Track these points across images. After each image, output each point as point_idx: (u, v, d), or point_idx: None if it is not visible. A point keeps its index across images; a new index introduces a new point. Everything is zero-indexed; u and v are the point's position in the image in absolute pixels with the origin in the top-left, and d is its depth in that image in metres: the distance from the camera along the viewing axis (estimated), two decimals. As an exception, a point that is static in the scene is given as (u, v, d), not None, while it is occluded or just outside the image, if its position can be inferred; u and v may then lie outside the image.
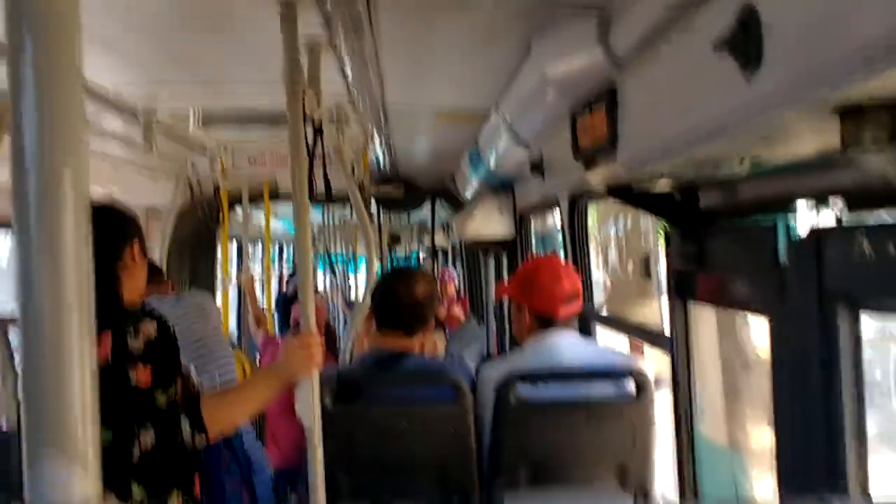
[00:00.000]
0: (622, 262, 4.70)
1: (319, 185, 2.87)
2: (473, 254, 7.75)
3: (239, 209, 5.91)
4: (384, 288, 2.70)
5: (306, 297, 2.21)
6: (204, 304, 3.93)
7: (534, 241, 5.30)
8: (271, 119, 3.99)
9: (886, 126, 0.89)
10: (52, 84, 0.54)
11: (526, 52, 2.49)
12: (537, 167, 2.55)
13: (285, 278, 11.71)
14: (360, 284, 13.84)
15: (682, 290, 2.07)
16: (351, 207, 3.83)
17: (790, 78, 0.81)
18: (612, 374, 2.53)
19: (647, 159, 1.36)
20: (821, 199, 1.48)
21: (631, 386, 2.48)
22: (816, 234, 1.41)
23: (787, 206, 1.54)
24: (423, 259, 11.43)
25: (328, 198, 3.08)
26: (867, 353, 1.43)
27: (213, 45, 2.55)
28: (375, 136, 4.17)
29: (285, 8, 1.99)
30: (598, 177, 1.76)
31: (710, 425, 2.13)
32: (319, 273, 11.26)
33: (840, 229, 1.38)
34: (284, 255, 14.66)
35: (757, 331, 2.12)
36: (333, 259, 11.85)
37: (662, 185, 1.84)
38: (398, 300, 2.61)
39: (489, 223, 5.02)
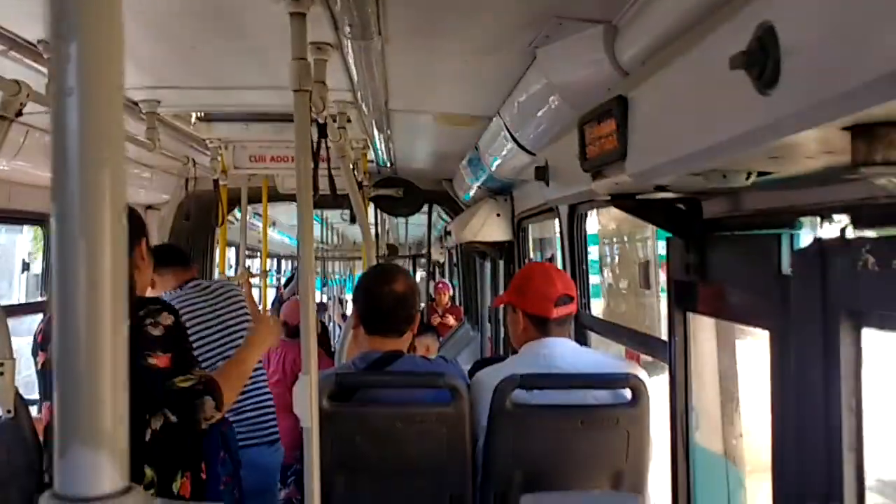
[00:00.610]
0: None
1: (322, 186, 2.88)
2: (470, 259, 7.76)
3: (237, 210, 5.92)
4: (365, 291, 2.69)
5: (307, 297, 2.22)
6: (233, 292, 3.95)
7: (531, 245, 5.31)
8: (274, 118, 4.01)
9: (898, 145, 0.91)
10: (94, 87, 0.55)
11: (531, 60, 2.51)
12: (542, 174, 2.57)
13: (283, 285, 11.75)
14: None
15: (683, 301, 2.08)
16: (352, 212, 3.83)
17: (807, 98, 0.83)
18: (609, 380, 2.55)
19: (657, 172, 1.37)
20: (826, 215, 1.49)
21: (626, 392, 2.51)
22: (821, 245, 1.42)
23: (791, 219, 1.56)
24: (420, 277, 11.48)
25: (333, 198, 3.10)
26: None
27: (219, 45, 2.56)
28: (377, 137, 4.18)
29: (295, 11, 2.00)
30: (604, 187, 1.78)
31: (706, 435, 2.15)
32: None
33: (845, 241, 1.39)
34: (283, 269, 14.69)
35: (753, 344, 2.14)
36: (330, 283, 11.90)
37: (666, 195, 1.86)
38: (381, 304, 2.62)
39: (487, 227, 5.04)
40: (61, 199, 0.56)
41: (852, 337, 1.37)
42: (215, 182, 4.65)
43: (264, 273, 6.28)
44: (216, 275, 5.75)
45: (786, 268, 1.54)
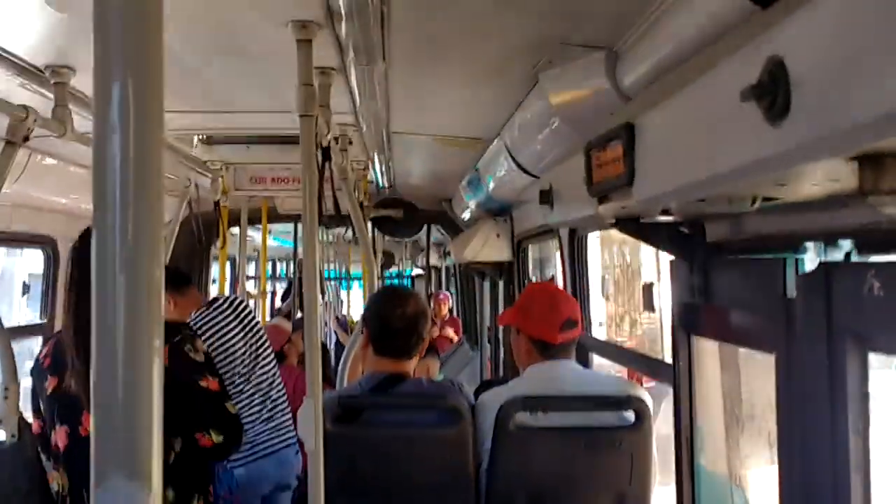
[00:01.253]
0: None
1: (326, 207, 2.90)
2: (469, 277, 7.76)
3: (235, 229, 5.92)
4: (376, 312, 2.71)
5: (312, 320, 2.23)
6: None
7: (531, 265, 5.32)
8: (275, 140, 4.03)
9: (905, 174, 0.93)
10: (137, 126, 0.57)
11: (533, 84, 2.54)
12: (546, 198, 2.59)
13: (278, 294, 11.67)
14: (352, 303, 13.84)
15: (686, 323, 2.09)
16: (352, 227, 3.86)
17: (817, 130, 0.84)
18: (612, 402, 2.56)
19: (664, 197, 1.39)
20: (830, 240, 1.51)
21: (630, 414, 2.51)
22: (826, 268, 1.44)
23: (796, 243, 1.57)
24: (416, 277, 11.47)
25: (337, 220, 3.11)
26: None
27: (224, 70, 2.58)
28: (376, 158, 4.20)
29: (301, 38, 2.03)
30: (610, 211, 1.80)
31: (710, 458, 2.15)
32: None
33: (849, 265, 1.40)
34: (278, 272, 14.65)
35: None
36: (326, 275, 11.84)
37: (670, 218, 1.87)
38: (391, 325, 2.63)
39: (487, 247, 5.05)
40: (102, 232, 0.57)
41: (858, 360, 1.38)
42: (216, 203, 4.66)
43: (263, 293, 6.27)
44: (214, 294, 5.75)
45: (790, 291, 1.55)
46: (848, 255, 1.45)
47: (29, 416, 2.52)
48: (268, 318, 7.42)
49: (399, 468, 2.49)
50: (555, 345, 2.62)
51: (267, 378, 3.93)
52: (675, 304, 2.11)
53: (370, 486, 2.50)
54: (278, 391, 4.00)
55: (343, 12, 1.85)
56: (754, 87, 0.92)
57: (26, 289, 4.69)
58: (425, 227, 6.98)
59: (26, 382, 2.64)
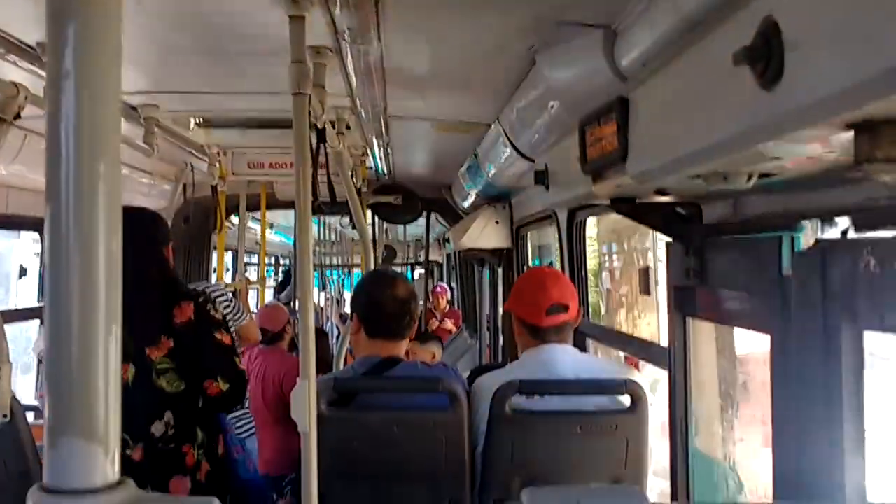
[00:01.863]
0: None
1: (321, 192, 2.88)
2: (468, 265, 7.75)
3: (235, 216, 5.91)
4: (367, 297, 2.71)
5: (305, 304, 2.21)
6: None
7: (531, 252, 5.31)
8: (273, 124, 4.01)
9: (901, 143, 0.90)
10: (91, 94, 0.55)
11: (530, 66, 2.51)
12: (542, 178, 2.56)
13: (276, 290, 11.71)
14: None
15: (682, 306, 2.08)
16: (351, 219, 3.84)
17: (811, 94, 0.82)
18: (607, 386, 2.54)
19: (658, 172, 1.37)
20: (826, 218, 1.49)
21: (625, 398, 2.50)
22: (821, 246, 1.42)
23: (792, 222, 1.55)
24: (419, 274, 11.47)
25: (333, 203, 3.10)
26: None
27: (218, 50, 2.56)
28: (375, 143, 4.18)
29: (294, 16, 2.00)
30: (605, 190, 1.77)
31: (705, 440, 2.14)
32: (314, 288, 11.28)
33: (845, 242, 1.39)
34: (281, 267, 14.67)
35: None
36: (328, 273, 11.85)
37: (666, 199, 1.85)
38: (383, 309, 2.62)
39: (486, 234, 5.03)
40: (55, 198, 0.55)
41: (854, 338, 1.37)
42: (213, 188, 4.64)
43: (262, 280, 6.26)
44: (214, 280, 5.74)
45: (786, 270, 1.54)
46: (844, 232, 1.43)
47: (21, 396, 2.52)
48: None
49: (394, 451, 2.47)
50: (542, 328, 2.60)
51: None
52: (671, 287, 2.09)
53: (364, 470, 2.48)
54: None
55: (336, -12, 1.83)
56: (747, 49, 0.90)
57: (23, 272, 4.68)
58: (424, 217, 6.96)
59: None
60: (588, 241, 3.73)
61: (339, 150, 3.55)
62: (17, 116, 2.28)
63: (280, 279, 11.30)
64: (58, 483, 0.56)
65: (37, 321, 3.96)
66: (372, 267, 4.03)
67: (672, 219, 1.95)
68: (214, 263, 6.37)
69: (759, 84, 0.91)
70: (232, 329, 3.91)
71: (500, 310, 6.12)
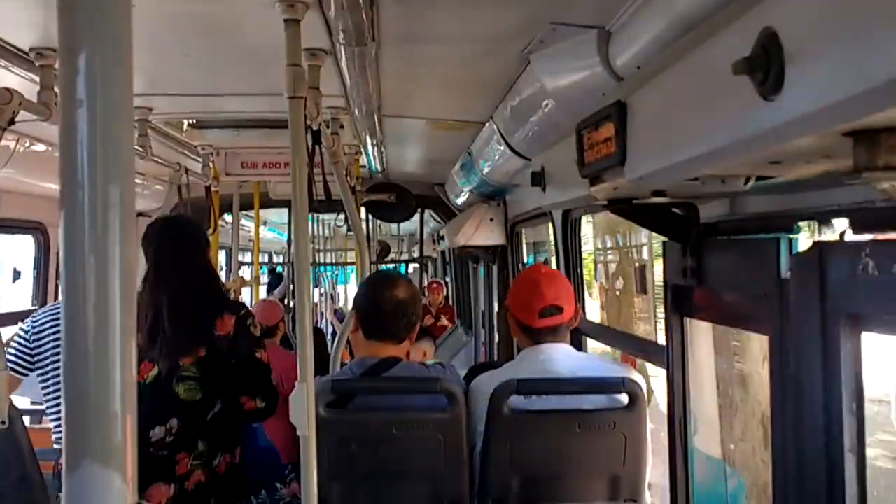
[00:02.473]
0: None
1: (316, 191, 2.88)
2: (463, 263, 7.75)
3: (228, 216, 5.89)
4: (367, 297, 2.70)
5: (303, 304, 2.21)
6: None
7: (525, 250, 5.31)
8: (266, 125, 3.99)
9: (901, 151, 0.91)
10: (103, 99, 0.55)
11: (524, 66, 2.51)
12: (538, 180, 2.56)
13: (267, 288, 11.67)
14: (349, 296, 13.87)
15: (680, 306, 2.08)
16: (346, 216, 3.83)
17: (811, 103, 0.83)
18: (605, 384, 2.55)
19: (657, 176, 1.37)
20: (824, 219, 1.49)
21: (623, 396, 2.50)
22: (819, 247, 1.42)
23: (790, 223, 1.56)
24: (413, 270, 11.50)
25: (329, 205, 3.10)
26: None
27: (212, 52, 2.55)
28: (369, 143, 4.17)
29: (289, 17, 1.99)
30: (602, 192, 1.78)
31: (704, 439, 2.15)
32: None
33: (844, 244, 1.39)
34: (268, 266, 14.65)
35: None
36: (322, 270, 11.84)
37: (663, 200, 1.85)
38: (382, 309, 2.62)
39: (480, 232, 5.03)
40: (71, 210, 0.55)
41: (852, 340, 1.37)
42: (207, 188, 4.63)
43: (256, 280, 6.25)
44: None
45: (784, 271, 1.54)
46: (842, 234, 1.44)
47: (18, 402, 2.51)
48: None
49: (392, 452, 2.48)
50: (535, 329, 2.61)
51: None
52: (668, 287, 2.10)
53: (363, 471, 2.49)
54: None
55: (332, -8, 1.83)
56: (747, 59, 0.90)
57: (17, 275, 4.66)
58: (419, 214, 6.95)
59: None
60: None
61: (334, 150, 3.54)
62: (11, 122, 2.27)
63: (268, 280, 11.26)
64: None
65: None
66: (367, 264, 4.03)
67: (669, 219, 1.95)
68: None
69: (759, 93, 0.92)
70: None
71: (496, 307, 6.13)
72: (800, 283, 1.48)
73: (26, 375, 2.94)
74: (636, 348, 3.08)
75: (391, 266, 11.39)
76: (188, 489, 2.62)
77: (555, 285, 2.65)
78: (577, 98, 2.22)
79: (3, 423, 2.33)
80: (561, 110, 2.43)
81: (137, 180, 4.65)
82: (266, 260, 14.11)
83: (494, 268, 5.74)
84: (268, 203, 5.75)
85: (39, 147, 3.37)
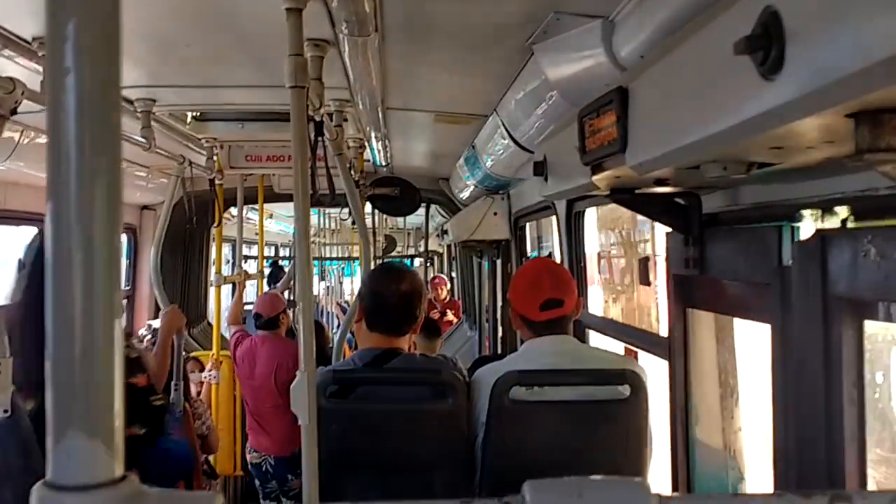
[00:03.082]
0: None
1: (320, 185, 2.88)
2: (468, 256, 7.75)
3: (233, 208, 5.90)
4: (371, 289, 2.70)
5: (306, 297, 2.21)
6: None
7: (529, 243, 5.31)
8: (270, 118, 4.00)
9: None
10: (92, 90, 0.55)
11: (528, 57, 2.50)
12: (540, 169, 2.56)
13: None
14: (354, 289, 13.90)
15: (682, 296, 2.08)
16: (350, 210, 3.83)
17: (812, 83, 0.82)
18: (606, 376, 2.54)
19: (658, 162, 1.37)
20: (826, 207, 1.49)
21: (625, 387, 2.50)
22: (821, 235, 1.42)
23: (792, 212, 1.55)
24: (419, 262, 11.51)
25: (333, 198, 3.09)
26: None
27: (215, 44, 2.55)
28: (373, 136, 4.17)
29: (291, 6, 1.99)
30: (604, 181, 1.77)
31: (705, 429, 2.14)
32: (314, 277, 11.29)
33: (845, 232, 1.39)
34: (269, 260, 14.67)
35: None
36: (327, 263, 11.84)
37: (666, 189, 1.85)
38: (385, 301, 2.62)
39: (485, 225, 5.04)
40: (56, 195, 0.55)
41: (853, 328, 1.37)
42: (211, 181, 4.63)
43: (261, 272, 6.26)
44: (213, 274, 5.74)
45: (786, 259, 1.54)
46: (844, 221, 1.43)
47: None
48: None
49: (393, 443, 2.48)
50: (538, 322, 2.60)
51: None
52: (671, 277, 2.09)
53: (364, 462, 2.49)
54: None
55: (334, -20, 1.82)
56: (747, 38, 0.90)
57: (21, 266, 4.65)
58: (424, 208, 6.95)
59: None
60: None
61: (337, 143, 3.55)
62: (14, 112, 2.27)
63: (269, 272, 11.28)
64: (62, 479, 0.56)
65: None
66: (371, 258, 4.03)
67: (671, 209, 1.95)
68: (213, 256, 6.36)
69: (760, 73, 0.91)
70: None
71: (500, 301, 6.13)
72: (802, 271, 1.48)
73: None
74: (638, 340, 3.07)
75: (397, 260, 11.41)
76: None
77: (556, 278, 2.64)
78: (580, 88, 2.21)
79: (6, 411, 2.33)
80: (565, 101, 2.42)
81: (141, 173, 4.66)
82: (272, 253, 14.13)
83: (499, 262, 5.74)
84: (272, 197, 5.76)
85: (44, 139, 3.37)
